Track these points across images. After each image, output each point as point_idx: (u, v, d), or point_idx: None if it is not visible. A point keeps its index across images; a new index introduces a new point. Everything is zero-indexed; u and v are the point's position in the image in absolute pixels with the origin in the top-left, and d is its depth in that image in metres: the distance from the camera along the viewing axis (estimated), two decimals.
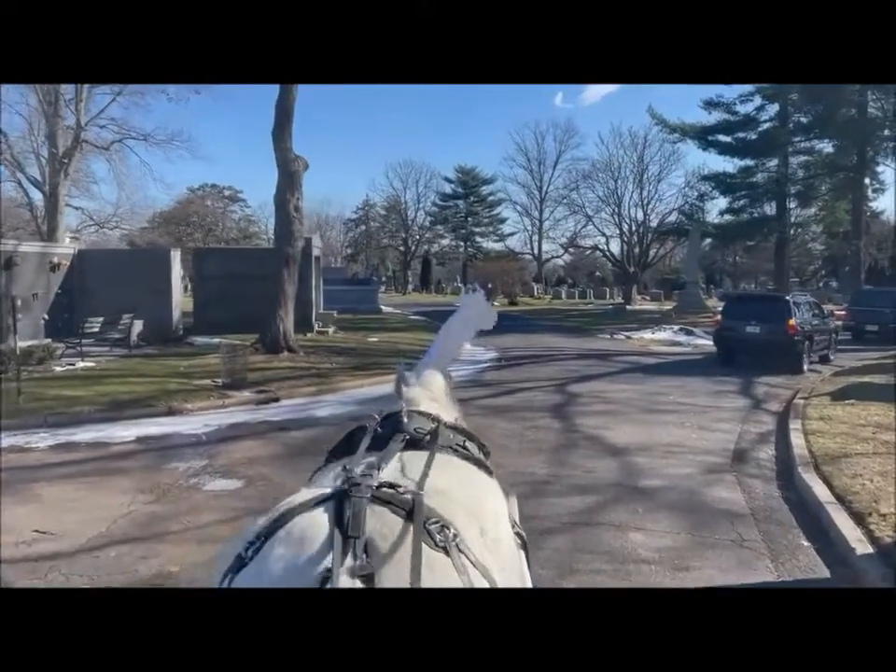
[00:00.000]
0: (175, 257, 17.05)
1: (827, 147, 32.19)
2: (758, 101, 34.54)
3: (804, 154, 33.46)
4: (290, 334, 14.54)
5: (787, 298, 15.67)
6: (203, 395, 10.70)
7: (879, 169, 33.05)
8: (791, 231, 35.47)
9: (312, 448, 7.83)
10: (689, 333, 21.36)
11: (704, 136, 34.45)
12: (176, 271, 17.15)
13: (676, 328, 22.23)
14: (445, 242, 74.11)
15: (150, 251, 23.32)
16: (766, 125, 33.83)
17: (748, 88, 34.79)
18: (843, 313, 21.25)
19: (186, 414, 9.76)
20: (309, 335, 18.84)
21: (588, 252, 62.38)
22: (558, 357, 16.50)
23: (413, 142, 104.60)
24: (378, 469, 1.22)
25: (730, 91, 35.08)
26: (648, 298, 51.18)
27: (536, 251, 66.64)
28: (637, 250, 47.13)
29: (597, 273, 70.53)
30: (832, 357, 16.76)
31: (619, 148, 49.93)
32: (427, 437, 1.44)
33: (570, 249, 63.30)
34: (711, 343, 20.47)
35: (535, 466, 6.93)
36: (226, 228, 72.71)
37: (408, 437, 1.42)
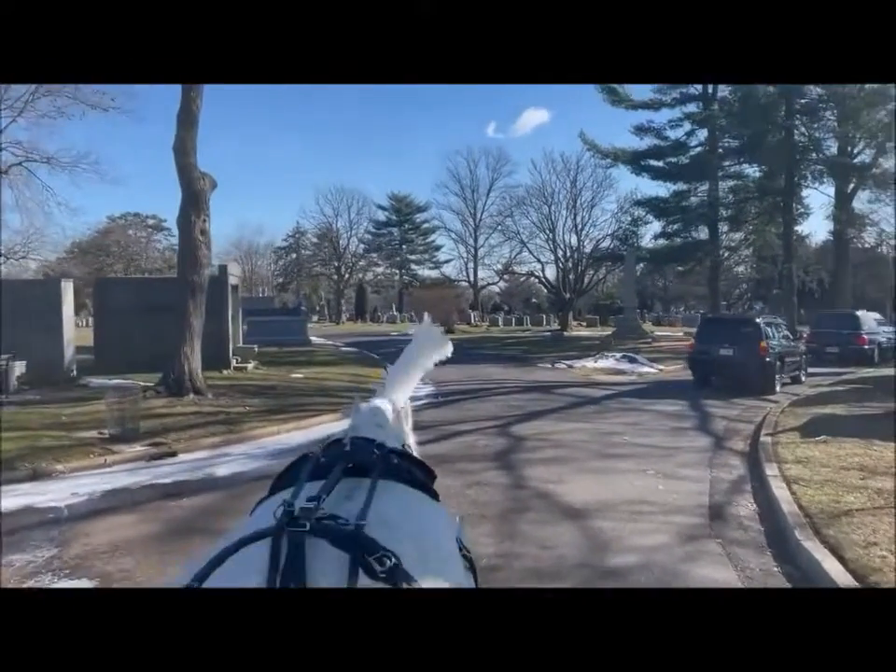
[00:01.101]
0: (68, 288, 15.06)
1: (756, 171, 32.50)
2: (687, 126, 34.85)
3: (733, 178, 33.72)
4: (197, 373, 12.81)
5: (758, 321, 15.86)
6: (82, 451, 8.92)
7: (804, 193, 33.52)
8: (723, 255, 35.58)
9: (201, 523, 6.30)
10: (632, 361, 20.54)
11: (636, 161, 34.33)
12: (69, 304, 15.15)
13: (618, 355, 21.38)
14: (380, 269, 72.83)
15: (38, 282, 20.99)
16: (697, 150, 34.00)
17: (676, 113, 35.13)
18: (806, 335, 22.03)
19: (55, 478, 8.01)
20: (225, 372, 17.07)
21: (523, 278, 62.07)
22: (499, 391, 15.24)
23: (344, 168, 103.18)
24: (319, 501, 1.19)
25: (659, 117, 35.35)
26: (584, 324, 50.96)
27: (472, 278, 66.03)
28: (572, 276, 46.82)
29: (533, 300, 70.34)
30: (803, 378, 16.95)
31: (551, 174, 49.86)
32: (372, 464, 1.40)
33: (506, 276, 62.83)
34: (654, 370, 19.88)
35: (480, 542, 5.51)
36: (149, 258, 69.54)
37: (351, 464, 1.39)
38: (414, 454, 1.71)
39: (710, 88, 34.07)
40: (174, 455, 9.28)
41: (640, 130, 35.34)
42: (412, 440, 1.92)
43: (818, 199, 60.97)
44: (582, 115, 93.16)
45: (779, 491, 6.72)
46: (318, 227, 67.72)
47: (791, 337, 17.05)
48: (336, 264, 65.48)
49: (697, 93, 34.50)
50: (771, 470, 7.52)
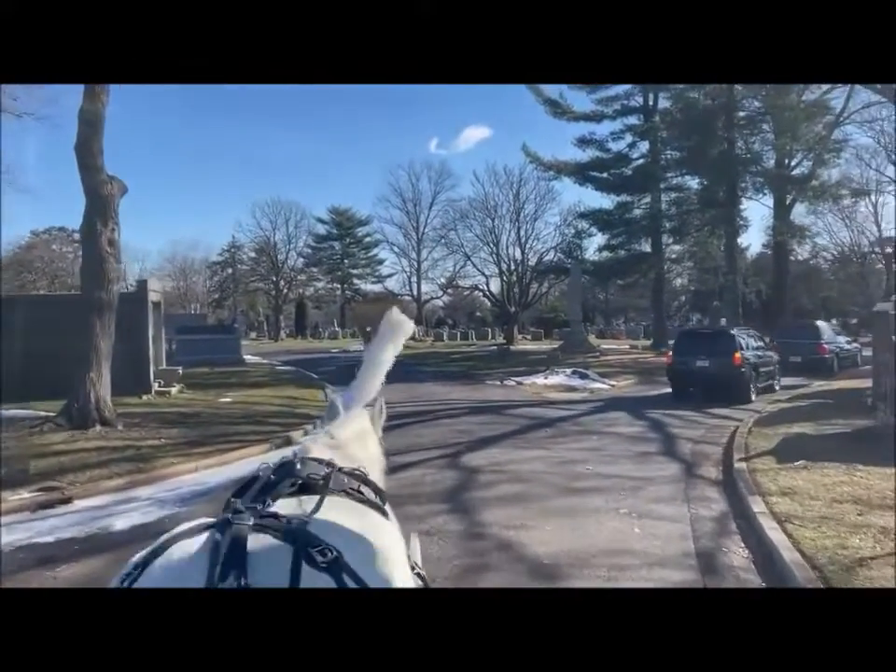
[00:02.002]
0: None
1: (698, 183, 32.46)
2: (629, 138, 34.75)
3: (676, 190, 33.67)
4: (105, 401, 11.30)
5: (733, 332, 16.37)
6: None
7: (743, 206, 33.70)
8: (666, 267, 35.53)
9: None
10: (583, 377, 19.76)
11: (580, 172, 33.95)
12: None
13: (568, 371, 20.57)
14: (321, 284, 70.98)
15: None
16: (639, 161, 33.87)
17: (618, 125, 35.00)
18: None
19: None
20: (145, 398, 15.49)
21: (468, 292, 61.39)
22: (446, 414, 14.14)
23: (282, 181, 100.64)
24: (264, 504, 1.24)
25: (602, 129, 35.13)
26: (528, 337, 50.41)
27: (415, 292, 64.94)
28: (516, 289, 46.31)
29: (478, 314, 69.68)
30: (777, 387, 17.42)
31: (494, 187, 49.41)
32: (321, 482, 1.43)
33: (450, 290, 62.07)
34: (606, 386, 19.15)
35: None
36: (76, 274, 66.02)
37: (300, 482, 1.42)
38: (361, 471, 1.66)
39: (651, 99, 34.11)
40: (67, 501, 7.86)
41: (583, 142, 35.05)
42: (371, 452, 1.92)
43: (755, 211, 62.47)
44: (525, 129, 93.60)
45: (773, 533, 5.83)
46: (255, 241, 65.62)
47: (765, 347, 17.49)
48: (274, 279, 63.40)
49: (638, 105, 34.48)
50: (757, 506, 6.65)
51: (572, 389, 18.24)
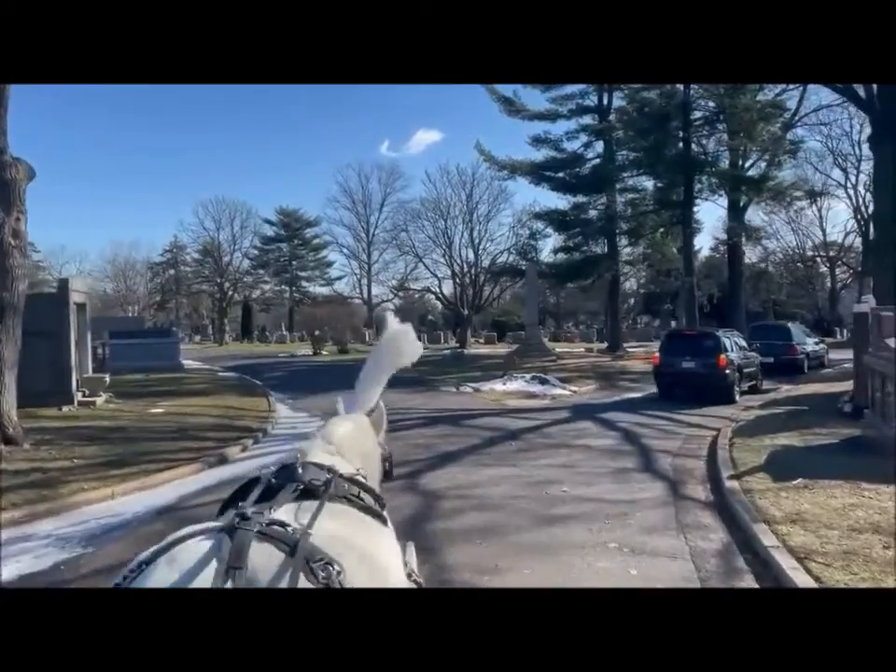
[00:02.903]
0: None
1: (654, 184, 32.09)
2: (584, 138, 34.18)
3: (631, 192, 33.25)
4: (10, 416, 9.82)
5: (717, 334, 16.60)
6: None
7: (696, 207, 33.47)
8: (621, 269, 35.11)
9: None
10: (543, 382, 18.85)
11: (535, 172, 33.20)
12: None
13: (528, 376, 19.62)
14: (268, 287, 68.82)
15: None
16: (595, 161, 33.31)
17: (573, 125, 34.42)
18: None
19: None
20: (66, 409, 13.94)
21: (419, 295, 60.26)
22: (401, 425, 12.98)
23: (226, 180, 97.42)
24: (269, 511, 1.24)
25: (556, 128, 34.49)
26: (482, 341, 49.62)
27: (366, 295, 63.48)
28: (470, 291, 45.42)
29: (430, 317, 68.59)
30: (760, 387, 17.72)
31: (447, 187, 48.24)
32: (322, 487, 1.42)
33: (401, 292, 60.81)
34: (567, 392, 18.32)
35: None
36: None
37: (301, 486, 1.40)
38: (361, 479, 1.64)
39: (606, 99, 33.65)
40: None
41: (537, 141, 34.31)
42: (371, 457, 1.91)
43: (705, 214, 62.96)
44: (479, 130, 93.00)
45: (795, 573, 4.92)
46: (199, 241, 63.21)
47: (748, 348, 17.67)
48: (219, 280, 61.08)
49: (593, 105, 33.98)
50: (766, 538, 5.73)
51: (533, 396, 17.31)
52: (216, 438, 11.49)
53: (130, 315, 60.53)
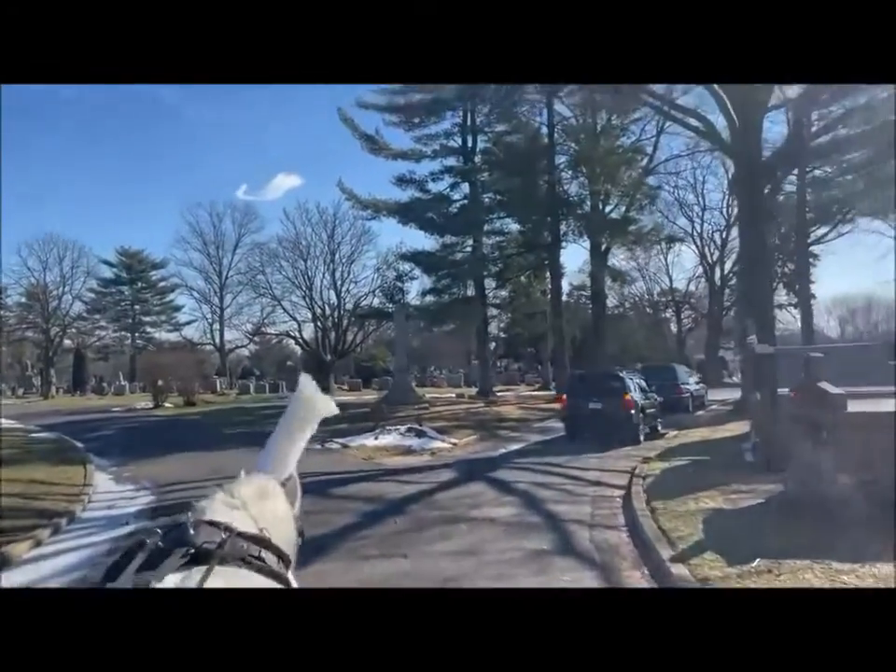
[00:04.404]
0: None
1: (519, 227, 31.81)
2: (449, 179, 33.44)
3: (498, 234, 32.82)
4: None
5: (622, 374, 16.75)
6: None
7: (561, 251, 33.58)
8: (490, 312, 34.44)
9: None
10: (420, 434, 16.99)
11: (401, 212, 31.94)
12: None
13: (402, 428, 17.69)
14: (106, 333, 62.50)
15: None
16: (462, 203, 32.59)
17: (437, 166, 33.66)
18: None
19: None
20: None
21: (276, 340, 56.93)
22: None
23: (55, 217, 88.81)
24: (150, 583, 1.12)
25: (421, 168, 33.55)
26: (346, 388, 47.18)
27: (217, 341, 59.09)
28: (333, 335, 43.05)
29: (289, 363, 65.02)
30: (660, 429, 17.64)
31: (306, 226, 45.67)
32: (217, 549, 1.21)
33: (257, 337, 57.23)
34: (447, 444, 16.61)
35: None
36: None
37: (192, 551, 1.19)
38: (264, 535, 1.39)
39: (470, 141, 33.24)
40: None
41: (402, 181, 33.26)
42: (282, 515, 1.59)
43: (570, 257, 64.89)
44: (341, 171, 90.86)
45: None
46: (21, 282, 56.34)
47: (648, 390, 17.65)
48: (44, 326, 54.44)
49: (457, 146, 33.44)
50: None
51: (410, 451, 15.39)
52: (4, 527, 8.55)
53: None
